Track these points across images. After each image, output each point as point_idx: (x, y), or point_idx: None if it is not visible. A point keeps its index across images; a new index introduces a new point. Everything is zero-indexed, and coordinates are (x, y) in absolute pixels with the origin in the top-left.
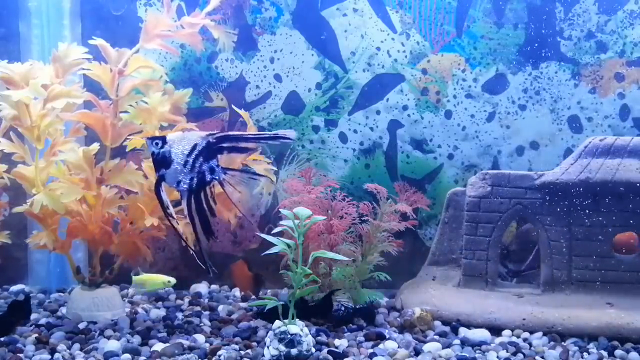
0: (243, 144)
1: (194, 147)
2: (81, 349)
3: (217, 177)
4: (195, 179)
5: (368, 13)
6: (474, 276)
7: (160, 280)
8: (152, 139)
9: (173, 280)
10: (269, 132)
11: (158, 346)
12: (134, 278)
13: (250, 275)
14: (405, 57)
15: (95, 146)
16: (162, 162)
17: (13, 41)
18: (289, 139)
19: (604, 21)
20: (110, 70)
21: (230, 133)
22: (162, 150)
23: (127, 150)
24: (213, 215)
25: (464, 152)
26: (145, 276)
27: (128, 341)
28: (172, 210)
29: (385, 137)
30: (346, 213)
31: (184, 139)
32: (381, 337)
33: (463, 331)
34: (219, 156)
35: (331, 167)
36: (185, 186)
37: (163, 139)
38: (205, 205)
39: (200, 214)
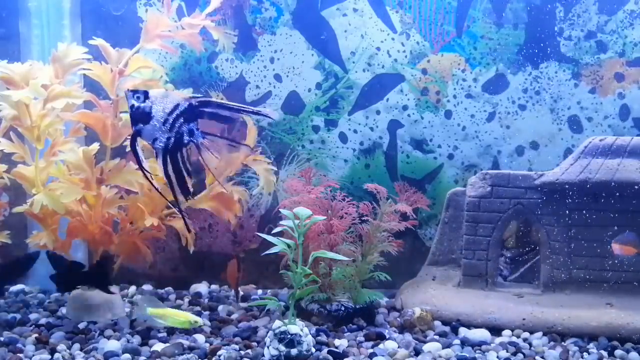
0: (224, 112)
1: (176, 106)
2: (81, 349)
3: (194, 140)
4: (172, 139)
5: (368, 13)
6: (474, 276)
7: (186, 319)
8: (134, 91)
9: (200, 321)
10: (252, 108)
11: (158, 346)
12: (150, 310)
13: (237, 275)
14: (405, 57)
15: (95, 146)
16: (140, 117)
17: (13, 41)
18: (269, 117)
19: (604, 21)
20: (110, 71)
21: (213, 100)
22: (142, 104)
23: (127, 150)
24: (189, 175)
25: (464, 152)
26: (166, 310)
27: (128, 341)
28: (147, 166)
29: (385, 137)
30: (346, 213)
31: (166, 97)
32: (381, 337)
33: (463, 331)
34: (199, 120)
35: (331, 167)
36: (161, 145)
37: (145, 94)
38: (182, 166)
39: (176, 174)
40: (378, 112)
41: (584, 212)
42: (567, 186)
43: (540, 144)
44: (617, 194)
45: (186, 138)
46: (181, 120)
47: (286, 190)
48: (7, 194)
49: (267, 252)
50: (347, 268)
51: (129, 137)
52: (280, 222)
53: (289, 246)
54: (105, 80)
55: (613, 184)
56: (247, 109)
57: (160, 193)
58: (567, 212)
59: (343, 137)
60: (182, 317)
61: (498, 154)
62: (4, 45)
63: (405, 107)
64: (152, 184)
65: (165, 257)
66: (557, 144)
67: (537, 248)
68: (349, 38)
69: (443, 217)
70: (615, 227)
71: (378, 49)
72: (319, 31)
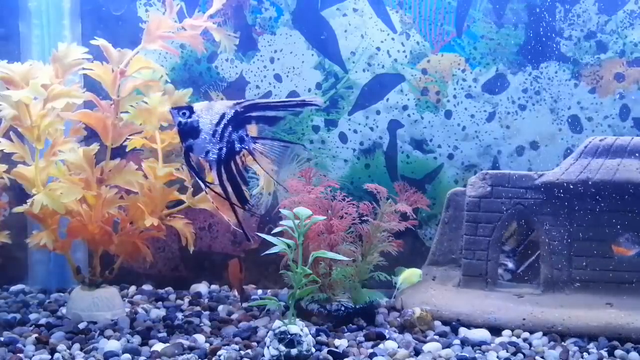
0: (271, 113)
1: (222, 116)
2: (81, 349)
3: (246, 147)
4: (224, 149)
5: (368, 13)
6: (474, 276)
7: (417, 272)
8: (179, 109)
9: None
10: (296, 99)
11: (158, 346)
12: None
13: (240, 276)
14: (405, 57)
15: (95, 146)
16: (189, 132)
17: (13, 41)
18: (316, 104)
19: (604, 21)
20: (111, 71)
21: (258, 101)
22: (189, 120)
23: (127, 150)
24: (245, 183)
25: (464, 152)
26: (407, 272)
27: (128, 341)
28: (207, 178)
29: (385, 137)
30: (346, 213)
31: (211, 109)
32: (381, 337)
33: (463, 331)
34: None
35: (331, 167)
36: (214, 156)
37: (190, 109)
38: (236, 174)
39: (232, 184)
40: (378, 112)
41: (584, 212)
42: (567, 186)
43: (540, 144)
44: (617, 194)
45: (237, 146)
46: (230, 128)
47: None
48: (7, 194)
49: (267, 252)
50: (347, 268)
51: (129, 137)
52: (280, 222)
53: (289, 246)
54: (107, 81)
55: (613, 184)
56: (291, 103)
57: (230, 202)
58: (567, 212)
59: (343, 137)
60: (414, 274)
61: (498, 154)
62: (4, 45)
63: (405, 107)
64: (219, 194)
65: (165, 257)
66: (557, 144)
67: (533, 241)
68: (349, 38)
69: (443, 217)
70: (615, 227)
71: (378, 49)
72: (319, 31)
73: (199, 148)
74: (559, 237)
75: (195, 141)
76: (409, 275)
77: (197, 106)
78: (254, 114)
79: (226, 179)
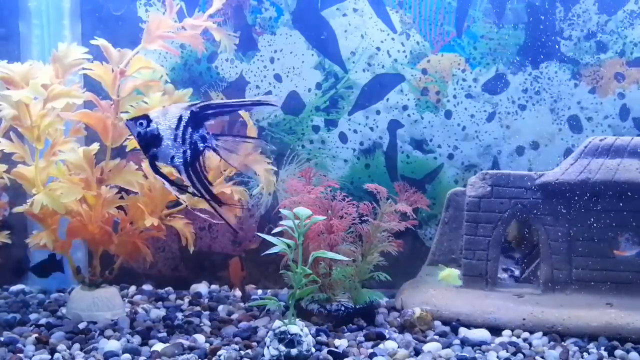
0: (226, 111)
1: (180, 119)
2: (81, 349)
3: (209, 145)
4: (188, 151)
5: (368, 13)
6: (474, 276)
7: (456, 274)
8: (135, 119)
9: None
10: (251, 99)
11: (158, 346)
12: (441, 275)
13: (242, 274)
14: (405, 57)
15: (95, 146)
16: (151, 141)
17: (13, 41)
18: (271, 104)
19: (604, 21)
20: (111, 71)
21: (212, 102)
22: (148, 129)
23: (127, 150)
24: (209, 184)
25: (464, 152)
26: (447, 271)
27: (128, 341)
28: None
29: (385, 137)
30: (346, 213)
31: (167, 114)
32: (381, 337)
33: (463, 331)
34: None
35: (331, 167)
36: (180, 160)
37: (147, 118)
38: (201, 173)
39: (202, 184)
40: (378, 112)
41: (584, 212)
42: (567, 186)
43: (540, 144)
44: (617, 194)
45: (200, 145)
46: (190, 130)
47: (286, 190)
48: (7, 194)
49: (267, 252)
50: (347, 268)
51: (129, 137)
52: (280, 222)
53: (289, 246)
54: (107, 81)
55: (613, 184)
56: (247, 102)
57: (217, 204)
58: (567, 212)
59: (343, 137)
60: (452, 274)
61: (498, 154)
62: (4, 45)
63: (405, 107)
64: (201, 194)
65: (165, 257)
66: (557, 144)
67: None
68: (349, 38)
69: (443, 217)
70: (615, 227)
71: (378, 49)
72: (319, 31)
73: (164, 155)
74: (559, 237)
75: (159, 149)
76: (448, 275)
77: (153, 113)
78: (210, 112)
79: (196, 180)
